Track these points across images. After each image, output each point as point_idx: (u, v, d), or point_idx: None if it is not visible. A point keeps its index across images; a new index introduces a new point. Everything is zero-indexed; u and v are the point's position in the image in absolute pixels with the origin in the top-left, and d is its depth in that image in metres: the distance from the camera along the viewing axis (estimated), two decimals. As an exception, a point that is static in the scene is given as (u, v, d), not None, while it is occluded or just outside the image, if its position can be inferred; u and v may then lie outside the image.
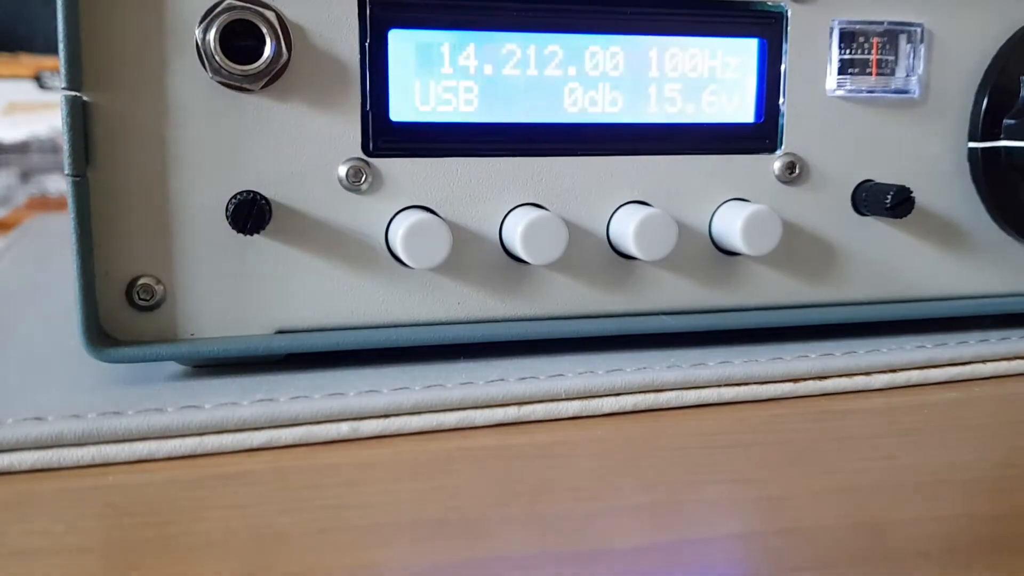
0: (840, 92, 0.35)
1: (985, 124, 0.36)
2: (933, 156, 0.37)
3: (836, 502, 0.24)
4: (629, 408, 0.31)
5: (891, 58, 0.35)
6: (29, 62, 1.18)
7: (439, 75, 0.32)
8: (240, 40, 0.29)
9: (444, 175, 0.32)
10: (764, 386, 0.32)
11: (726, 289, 0.35)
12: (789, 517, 0.23)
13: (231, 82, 0.30)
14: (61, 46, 0.28)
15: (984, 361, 0.34)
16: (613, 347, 0.34)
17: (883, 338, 0.36)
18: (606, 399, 0.30)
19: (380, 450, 0.28)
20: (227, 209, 0.30)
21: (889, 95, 0.36)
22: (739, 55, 0.34)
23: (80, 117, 0.29)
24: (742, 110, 0.35)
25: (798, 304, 0.36)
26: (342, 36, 0.31)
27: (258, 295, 0.31)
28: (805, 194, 0.35)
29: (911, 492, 0.25)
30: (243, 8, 0.29)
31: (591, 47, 0.33)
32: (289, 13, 0.30)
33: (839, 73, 0.35)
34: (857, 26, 0.35)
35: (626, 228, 0.33)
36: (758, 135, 0.35)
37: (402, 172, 0.32)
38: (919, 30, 0.36)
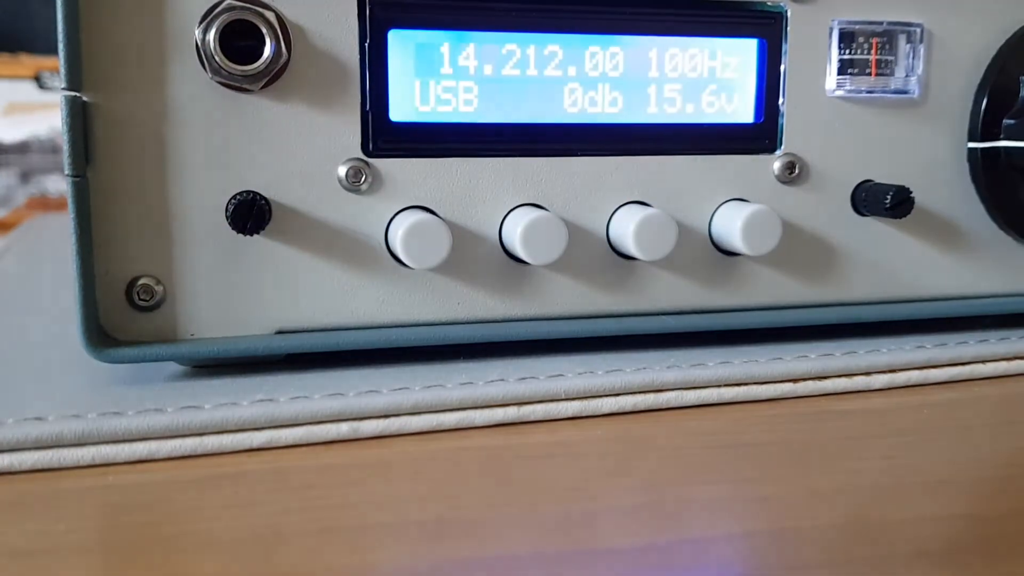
0: (840, 92, 0.35)
1: (985, 124, 0.36)
2: (933, 156, 0.37)
3: (836, 502, 0.24)
4: (629, 408, 0.31)
5: (891, 58, 0.35)
6: (29, 62, 1.18)
7: (439, 75, 0.32)
8: (240, 40, 0.29)
9: (444, 175, 0.32)
10: (764, 386, 0.32)
11: (726, 289, 0.35)
12: (789, 517, 0.23)
13: (231, 82, 0.30)
14: (61, 46, 0.28)
15: (984, 361, 0.34)
16: (613, 347, 0.34)
17: (883, 338, 0.36)
18: (606, 399, 0.30)
19: (380, 450, 0.28)
20: (227, 209, 0.30)
21: (889, 95, 0.36)
22: (739, 55, 0.34)
23: (80, 117, 0.29)
24: (742, 110, 0.35)
25: (798, 304, 0.36)
26: (342, 36, 0.31)
27: (258, 295, 0.31)
28: (805, 194, 0.35)
29: (911, 492, 0.25)
30: (243, 8, 0.29)
31: (591, 47, 0.33)
32: (289, 13, 0.30)
33: (839, 73, 0.35)
34: (857, 26, 0.35)
35: (626, 228, 0.33)
36: (758, 135, 0.35)
37: (402, 172, 0.32)
38: (919, 30, 0.36)
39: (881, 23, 0.35)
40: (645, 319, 0.34)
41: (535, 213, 0.32)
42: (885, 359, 0.33)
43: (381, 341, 0.32)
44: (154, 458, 0.27)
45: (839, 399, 0.32)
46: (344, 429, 0.28)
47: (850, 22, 0.35)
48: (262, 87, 0.30)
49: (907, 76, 0.36)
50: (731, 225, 0.34)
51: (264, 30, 0.29)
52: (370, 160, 0.31)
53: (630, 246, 0.33)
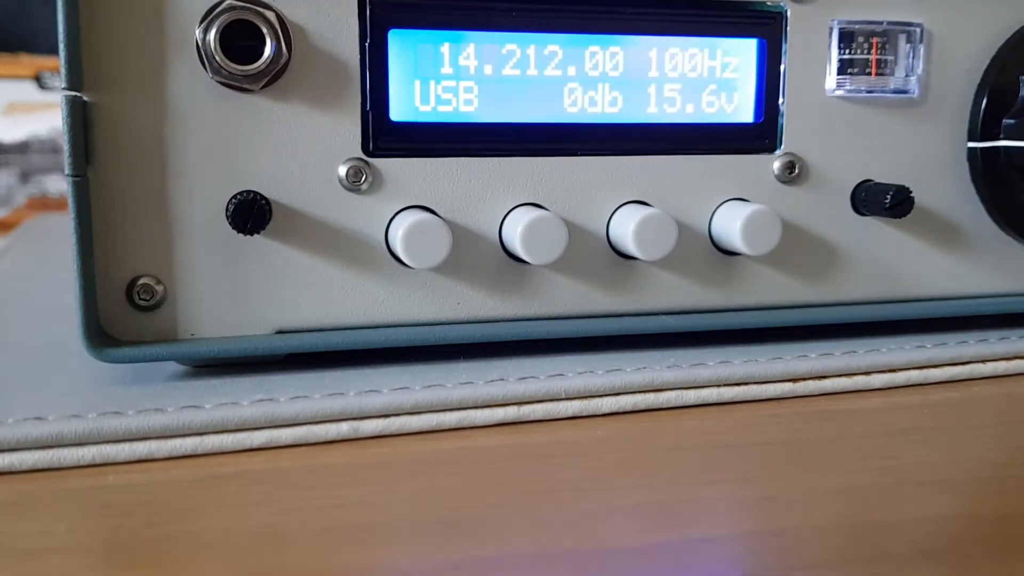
0: (840, 92, 0.35)
1: (984, 124, 0.36)
2: (932, 156, 0.37)
3: (836, 502, 0.24)
4: (629, 408, 0.31)
5: (890, 58, 0.35)
6: (29, 62, 1.18)
7: (439, 75, 0.32)
8: (240, 40, 0.29)
9: (444, 175, 0.32)
10: (764, 386, 0.32)
11: (726, 289, 0.35)
12: (789, 517, 0.23)
13: (231, 82, 0.30)
14: (61, 46, 0.28)
15: (984, 361, 0.34)
16: (613, 347, 0.34)
17: (883, 338, 0.36)
18: (606, 399, 0.30)
19: (380, 450, 0.28)
20: (227, 209, 0.30)
21: (888, 95, 0.36)
22: (739, 55, 0.34)
23: (80, 117, 0.29)
24: (742, 110, 0.35)
25: (798, 304, 0.36)
26: (342, 36, 0.31)
27: (258, 295, 0.31)
28: (805, 194, 0.35)
29: (911, 492, 0.25)
30: (243, 8, 0.29)
31: (591, 47, 0.33)
32: (289, 13, 0.30)
33: (839, 73, 0.35)
34: (856, 26, 0.35)
35: (626, 228, 0.33)
36: (758, 135, 0.35)
37: (402, 172, 0.32)
38: (918, 30, 0.36)
39: (881, 23, 0.35)
40: (645, 319, 0.34)
41: (535, 213, 0.32)
42: (885, 359, 0.33)
43: (381, 341, 0.32)
44: (154, 458, 0.27)
45: (839, 399, 0.32)
46: (344, 429, 0.28)
47: (850, 22, 0.35)
48: (262, 87, 0.30)
49: (907, 76, 0.36)
50: (731, 225, 0.34)
51: (264, 30, 0.29)
52: (370, 160, 0.31)
53: (630, 246, 0.33)
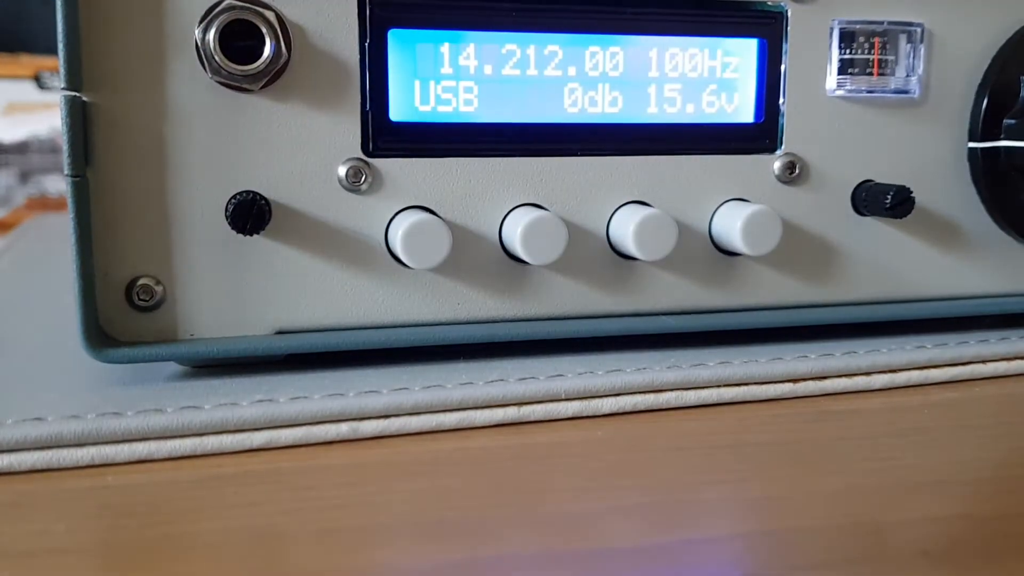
0: (840, 92, 0.35)
1: (985, 124, 0.36)
2: (933, 156, 0.37)
3: (836, 502, 0.24)
4: (629, 408, 0.31)
5: (891, 58, 0.35)
6: (29, 62, 1.18)
7: (439, 75, 0.32)
8: (240, 40, 0.29)
9: (444, 175, 0.32)
10: (764, 386, 0.32)
11: (726, 289, 0.35)
12: (789, 517, 0.23)
13: (231, 82, 0.30)
14: (61, 46, 0.28)
15: (984, 361, 0.34)
16: (613, 347, 0.34)
17: (883, 338, 0.36)
18: (606, 399, 0.30)
19: (380, 450, 0.28)
20: (227, 209, 0.30)
21: (889, 95, 0.36)
22: (739, 55, 0.34)
23: (80, 117, 0.29)
24: (742, 110, 0.35)
25: (798, 304, 0.36)
26: (342, 36, 0.31)
27: (258, 295, 0.31)
28: (805, 194, 0.35)
29: (911, 492, 0.25)
30: (243, 8, 0.29)
31: (591, 47, 0.33)
32: (289, 13, 0.30)
33: (839, 73, 0.35)
34: (857, 26, 0.35)
35: (626, 228, 0.33)
36: (758, 135, 0.35)
37: (402, 172, 0.32)
38: (919, 30, 0.36)
39: (881, 23, 0.35)
40: (645, 319, 0.34)
41: (535, 213, 0.32)
42: (885, 359, 0.33)
43: (381, 341, 0.32)
44: (153, 458, 0.27)
45: (839, 399, 0.32)
46: (344, 429, 0.28)
47: (850, 22, 0.35)
48: (262, 87, 0.30)
49: (907, 76, 0.36)
50: (731, 225, 0.34)
51: (264, 30, 0.29)
52: (370, 160, 0.31)
53: (630, 246, 0.33)
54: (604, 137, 0.34)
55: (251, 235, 0.30)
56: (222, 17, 0.29)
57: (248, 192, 0.30)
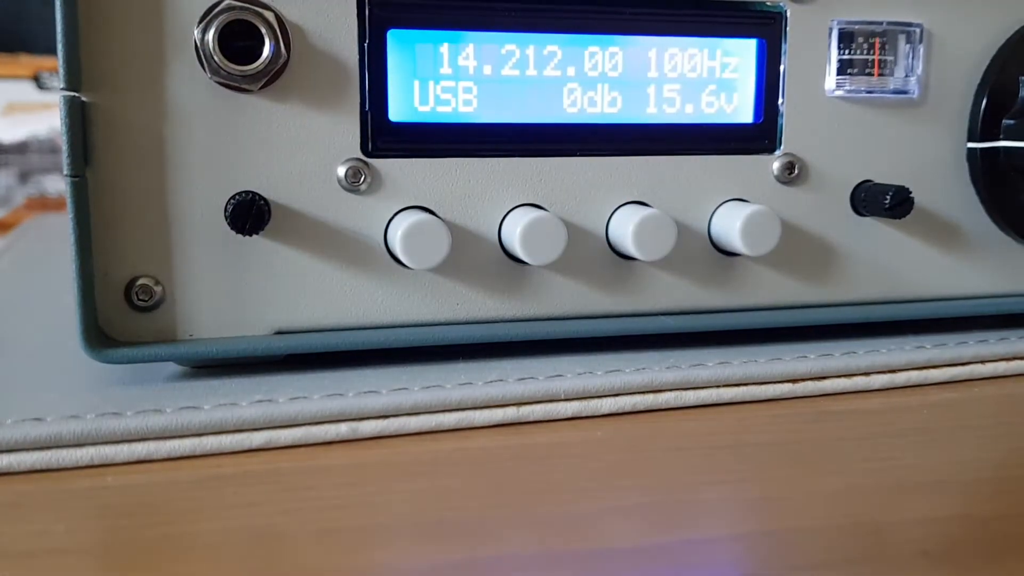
0: (839, 92, 0.35)
1: (984, 124, 0.36)
2: (932, 156, 0.37)
3: (836, 502, 0.24)
4: (628, 409, 0.31)
5: (890, 58, 0.35)
6: (28, 62, 1.18)
7: (438, 75, 0.32)
8: (239, 40, 0.29)
9: (443, 175, 0.32)
10: (763, 387, 0.32)
11: (725, 290, 0.35)
12: (789, 517, 0.23)
13: (230, 82, 0.30)
14: (60, 46, 0.28)
15: (983, 362, 0.34)
16: (612, 348, 0.34)
17: (882, 338, 0.36)
18: (605, 400, 0.30)
19: (379, 451, 0.28)
20: (226, 209, 0.30)
21: (888, 95, 0.36)
22: (738, 55, 0.34)
23: (79, 117, 0.29)
24: (741, 110, 0.35)
25: (797, 304, 0.36)
26: (341, 36, 0.31)
27: (257, 296, 0.31)
28: (804, 194, 0.35)
29: (911, 492, 0.25)
30: (242, 8, 0.29)
31: (590, 47, 0.33)
32: (288, 13, 0.30)
33: (838, 73, 0.35)
34: (856, 26, 0.35)
35: (625, 229, 0.33)
36: (757, 135, 0.35)
37: (401, 172, 0.32)
38: (918, 30, 0.36)
39: (881, 23, 0.35)
40: (644, 319, 0.34)
41: (534, 213, 0.32)
42: (884, 359, 0.33)
43: (380, 341, 0.32)
44: (153, 459, 0.27)
45: (838, 399, 0.32)
46: (343, 430, 0.28)
47: (849, 22, 0.35)
48: (261, 87, 0.30)
49: (907, 76, 0.36)
50: (730, 225, 0.34)
51: (263, 30, 0.29)
52: (369, 160, 0.31)
53: (629, 246, 0.33)
54: (603, 137, 0.34)
55: (250, 235, 0.30)
56: (221, 17, 0.29)
57: (247, 192, 0.30)
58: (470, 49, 0.32)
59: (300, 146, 0.31)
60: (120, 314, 0.30)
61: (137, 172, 0.30)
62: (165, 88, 0.29)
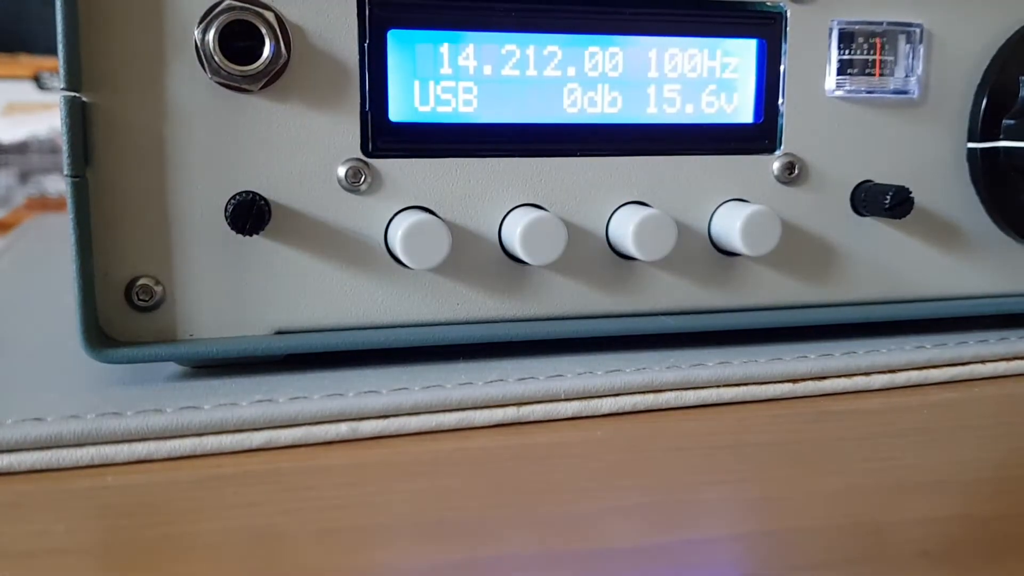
0: (839, 92, 0.35)
1: (984, 124, 0.36)
2: (932, 156, 0.37)
3: (836, 502, 0.24)
4: (628, 409, 0.31)
5: (890, 58, 0.35)
6: (28, 62, 1.18)
7: (438, 76, 0.32)
8: (239, 41, 0.29)
9: (443, 175, 0.32)
10: (763, 387, 0.32)
11: (725, 290, 0.35)
12: (789, 517, 0.23)
13: (230, 83, 0.30)
14: (60, 47, 0.28)
15: (983, 361, 0.34)
16: (612, 348, 0.34)
17: (882, 338, 0.36)
18: (605, 399, 0.30)
19: (379, 451, 0.28)
20: (226, 210, 0.30)
21: (888, 95, 0.36)
22: (738, 55, 0.34)
23: (79, 118, 0.29)
24: (741, 110, 0.35)
25: (797, 304, 0.36)
26: (341, 37, 0.31)
27: (257, 296, 0.31)
28: (804, 194, 0.35)
29: (911, 492, 0.25)
30: (242, 9, 0.29)
31: (590, 48, 0.33)
32: (288, 13, 0.30)
33: (838, 73, 0.35)
34: (856, 26, 0.35)
35: (625, 229, 0.33)
36: (757, 135, 0.35)
37: (401, 172, 0.32)
38: (918, 30, 0.36)
39: (881, 23, 0.35)
40: (644, 319, 0.34)
41: (534, 213, 0.32)
42: (884, 359, 0.33)
43: (380, 341, 0.32)
44: (153, 459, 0.27)
45: (839, 399, 0.32)
46: (343, 429, 0.28)
47: (850, 22, 0.35)
48: (261, 87, 0.30)
49: (907, 76, 0.36)
50: (731, 225, 0.34)
51: (263, 30, 0.29)
52: (369, 160, 0.31)
53: (630, 246, 0.33)
54: (603, 137, 0.34)
55: (251, 235, 0.30)
56: (222, 18, 0.29)
57: (248, 192, 0.30)
58: (470, 49, 0.32)
59: (300, 146, 0.31)
60: (120, 314, 0.30)
61: (137, 172, 0.30)
62: (165, 88, 0.29)
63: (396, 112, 0.32)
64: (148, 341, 0.30)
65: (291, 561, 0.21)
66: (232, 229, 0.30)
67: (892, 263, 0.37)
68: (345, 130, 0.31)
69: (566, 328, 0.34)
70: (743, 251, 0.33)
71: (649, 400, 0.31)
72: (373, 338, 0.32)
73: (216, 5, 0.29)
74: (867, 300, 0.37)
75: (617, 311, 0.34)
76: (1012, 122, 0.36)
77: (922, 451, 0.28)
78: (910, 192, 0.35)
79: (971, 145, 0.36)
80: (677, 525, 0.23)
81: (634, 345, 0.34)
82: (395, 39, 0.31)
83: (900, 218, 0.35)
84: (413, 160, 0.32)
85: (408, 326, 0.33)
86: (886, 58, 0.35)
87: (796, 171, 0.35)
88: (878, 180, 0.36)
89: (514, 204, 0.33)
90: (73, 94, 0.28)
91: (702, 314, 0.35)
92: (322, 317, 0.32)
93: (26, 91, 1.17)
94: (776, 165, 0.35)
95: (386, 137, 0.32)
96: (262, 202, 0.30)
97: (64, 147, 0.28)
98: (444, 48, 0.32)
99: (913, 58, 0.36)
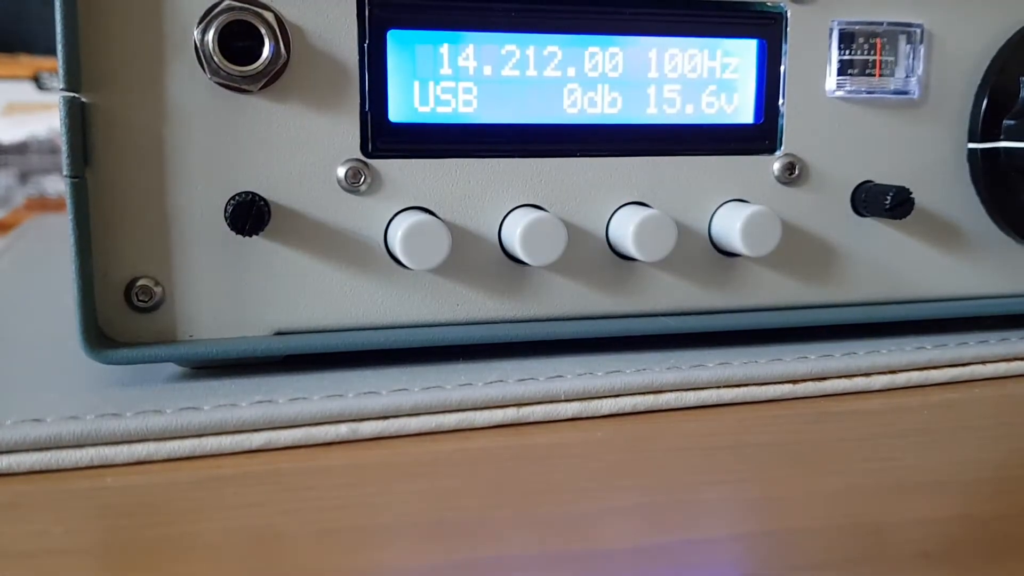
0: (840, 93, 0.35)
1: (984, 125, 0.36)
2: (932, 157, 0.37)
3: (836, 502, 0.24)
4: (628, 409, 0.30)
5: (891, 59, 0.35)
6: (28, 63, 1.18)
7: (438, 76, 0.32)
8: (239, 41, 0.29)
9: (443, 176, 0.32)
10: (763, 387, 0.32)
11: (725, 290, 0.35)
12: (789, 517, 0.23)
13: (230, 83, 0.30)
14: (60, 47, 0.28)
15: (984, 362, 0.34)
16: (612, 348, 0.34)
17: (883, 339, 0.36)
18: (605, 400, 0.30)
19: (379, 451, 0.28)
20: (226, 210, 0.30)
21: (888, 96, 0.36)
22: (738, 56, 0.34)
23: (78, 118, 0.28)
24: (742, 111, 0.35)
25: (797, 305, 0.36)
26: (341, 37, 0.31)
27: (257, 296, 0.31)
28: (805, 195, 0.35)
29: (911, 492, 0.25)
30: (242, 9, 0.29)
31: (590, 48, 0.33)
32: (288, 14, 0.30)
33: (838, 74, 0.35)
34: (856, 27, 0.35)
35: (625, 229, 0.33)
36: (758, 136, 0.35)
37: (401, 173, 0.32)
38: (919, 31, 0.36)
39: (881, 23, 0.35)
40: (645, 320, 0.34)
41: (534, 214, 0.32)
42: (885, 360, 0.33)
43: (380, 342, 0.32)
44: (153, 459, 0.27)
45: (839, 400, 0.32)
46: (343, 430, 0.28)
47: (850, 22, 0.35)
48: (261, 88, 0.30)
49: (907, 77, 0.36)
50: (731, 226, 0.34)
51: (263, 31, 0.29)
52: (369, 161, 0.31)
53: (630, 247, 0.33)
54: (603, 138, 0.34)
55: (250, 236, 0.30)
56: (221, 18, 0.29)
57: (247, 193, 0.30)
58: (470, 50, 0.32)
59: (300, 146, 0.31)
60: (120, 315, 0.30)
61: (137, 173, 0.30)
62: (165, 88, 0.29)
63: (396, 112, 0.32)
64: (147, 342, 0.30)
65: (291, 562, 0.21)
66: (232, 230, 0.30)
67: (892, 264, 0.37)
68: (345, 130, 0.31)
69: (566, 329, 0.34)
70: (743, 252, 0.33)
71: (649, 401, 0.31)
72: (373, 339, 0.32)
73: (216, 5, 0.29)
74: (868, 301, 0.37)
75: (617, 312, 0.34)
76: (1012, 122, 0.36)
77: (922, 452, 0.28)
78: (911, 193, 0.35)
79: (971, 145, 0.36)
80: (677, 525, 0.23)
81: (634, 346, 0.34)
82: (395, 39, 0.31)
83: (901, 219, 0.35)
84: (413, 160, 0.32)
85: (408, 327, 0.33)
86: (886, 58, 0.35)
87: (796, 171, 0.35)
88: (878, 180, 0.36)
89: (514, 205, 0.33)
90: (72, 94, 0.28)
91: (702, 315, 0.35)
92: (322, 318, 0.32)
93: (26, 91, 1.17)
94: (776, 165, 0.35)
95: (386, 137, 0.32)
96: (262, 203, 0.30)
97: (63, 147, 0.28)
98: (444, 48, 0.32)
99: (913, 58, 0.36)
